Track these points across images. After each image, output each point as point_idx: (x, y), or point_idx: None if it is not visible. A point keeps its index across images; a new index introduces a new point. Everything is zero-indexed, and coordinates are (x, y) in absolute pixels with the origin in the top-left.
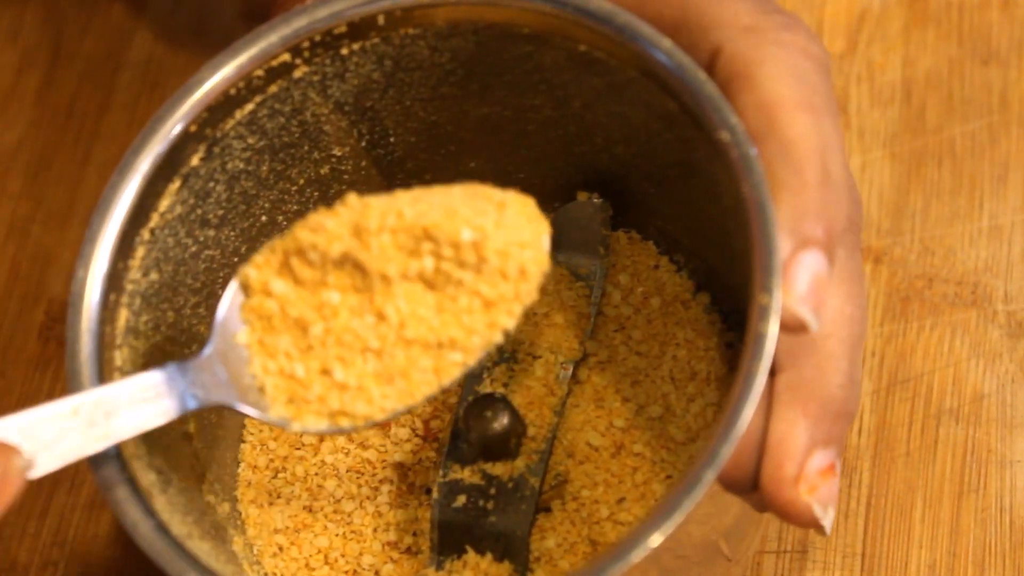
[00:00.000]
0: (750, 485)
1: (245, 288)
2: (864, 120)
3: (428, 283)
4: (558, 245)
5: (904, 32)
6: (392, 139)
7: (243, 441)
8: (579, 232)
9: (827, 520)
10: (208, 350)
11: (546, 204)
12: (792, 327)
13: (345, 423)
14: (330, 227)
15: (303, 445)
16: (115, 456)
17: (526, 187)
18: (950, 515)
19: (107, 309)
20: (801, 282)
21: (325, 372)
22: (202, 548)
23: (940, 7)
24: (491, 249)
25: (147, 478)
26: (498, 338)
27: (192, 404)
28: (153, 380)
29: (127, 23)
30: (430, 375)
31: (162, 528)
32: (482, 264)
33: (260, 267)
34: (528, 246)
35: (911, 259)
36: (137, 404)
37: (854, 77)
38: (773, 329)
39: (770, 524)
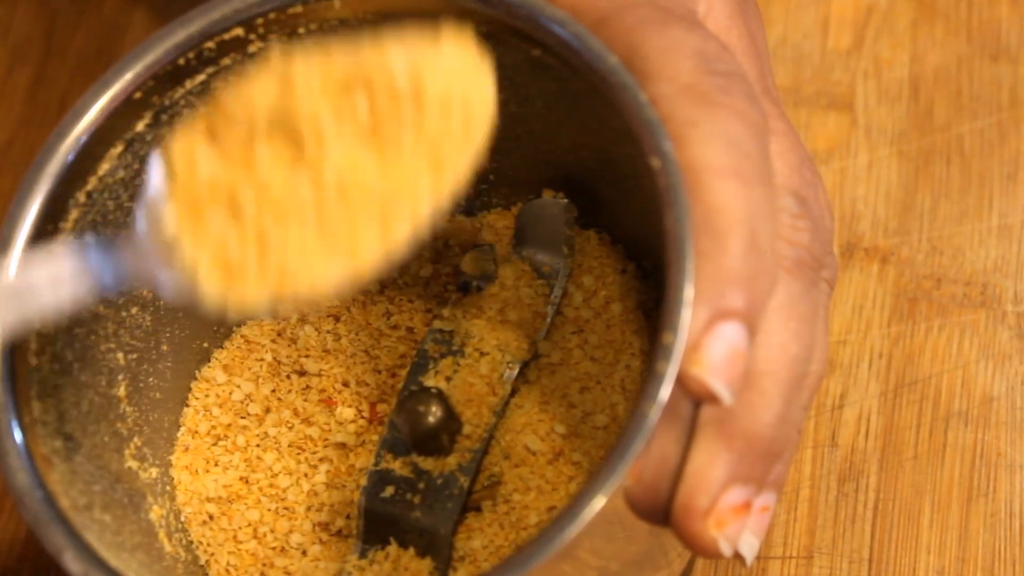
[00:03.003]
0: (662, 514)
1: (170, 167)
2: (871, 117)
3: (366, 136)
4: (522, 241)
5: (912, 28)
6: None
7: (187, 405)
8: (544, 229)
9: (747, 551)
10: (134, 232)
11: (520, 196)
12: (703, 397)
13: (288, 296)
14: (254, 86)
15: (248, 415)
16: (14, 422)
17: (500, 177)
18: (959, 520)
19: None
20: (716, 354)
21: (261, 244)
22: (101, 520)
23: (949, 2)
24: (429, 88)
25: (49, 445)
26: (448, 193)
27: (112, 284)
28: (70, 258)
29: (120, 18)
30: (376, 237)
31: (49, 500)
32: (421, 106)
33: (184, 142)
34: (471, 85)
35: (919, 259)
36: (54, 282)
37: (861, 73)
38: (672, 370)
39: (775, 528)
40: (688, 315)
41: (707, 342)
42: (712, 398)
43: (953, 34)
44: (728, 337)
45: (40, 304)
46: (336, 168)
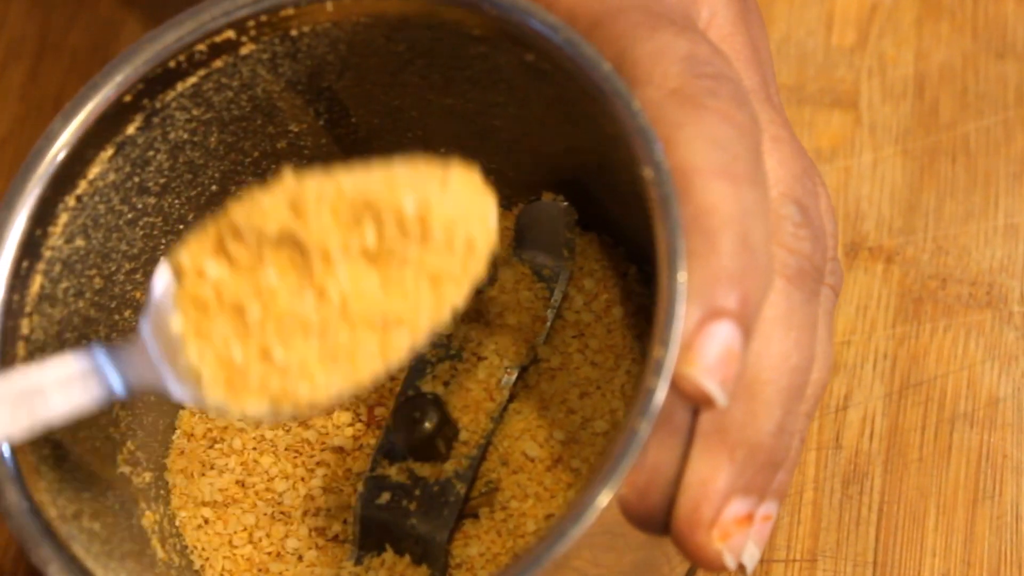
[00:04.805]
0: (660, 523)
1: (178, 273)
2: (875, 115)
3: (371, 259)
4: (522, 243)
5: (917, 25)
6: (353, 119)
7: (182, 407)
8: (544, 232)
9: (748, 561)
10: (140, 336)
11: (521, 197)
12: (697, 399)
13: (287, 406)
14: (266, 204)
15: (244, 416)
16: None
17: (500, 178)
18: (964, 523)
19: (17, 276)
20: (709, 354)
21: (265, 355)
22: (90, 529)
23: None
24: (436, 220)
25: (38, 453)
26: (446, 315)
27: (120, 389)
28: (79, 362)
29: (115, 15)
30: (376, 355)
31: (35, 511)
32: (427, 237)
33: (193, 250)
34: (475, 218)
35: (924, 259)
36: (64, 387)
37: (865, 71)
38: (663, 385)
39: (778, 531)
40: (679, 329)
41: (700, 342)
42: (706, 400)
43: (958, 31)
44: (721, 337)
45: (50, 408)
46: (341, 289)
